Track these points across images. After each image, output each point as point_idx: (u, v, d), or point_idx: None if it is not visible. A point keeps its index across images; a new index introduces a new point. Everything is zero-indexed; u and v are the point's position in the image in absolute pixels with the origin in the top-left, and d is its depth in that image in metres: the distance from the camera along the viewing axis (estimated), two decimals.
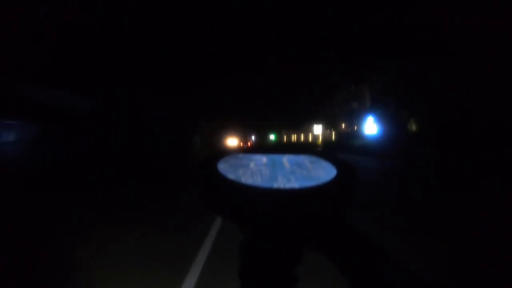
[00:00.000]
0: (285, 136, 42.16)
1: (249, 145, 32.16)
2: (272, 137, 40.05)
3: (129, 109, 13.60)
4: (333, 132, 30.53)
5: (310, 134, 36.38)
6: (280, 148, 0.41)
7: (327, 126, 31.97)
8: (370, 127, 19.86)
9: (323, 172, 0.32)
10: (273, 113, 36.16)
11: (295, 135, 41.38)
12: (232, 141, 28.21)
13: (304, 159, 0.37)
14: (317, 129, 33.87)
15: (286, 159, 0.37)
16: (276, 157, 0.38)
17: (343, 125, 28.86)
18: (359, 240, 0.27)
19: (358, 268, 0.25)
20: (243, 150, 0.41)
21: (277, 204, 0.27)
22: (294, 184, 0.29)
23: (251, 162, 0.35)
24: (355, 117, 23.95)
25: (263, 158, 0.37)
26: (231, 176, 0.30)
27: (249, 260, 0.28)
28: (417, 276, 0.23)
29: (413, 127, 16.26)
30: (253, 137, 37.60)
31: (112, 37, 13.17)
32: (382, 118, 18.01)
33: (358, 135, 22.31)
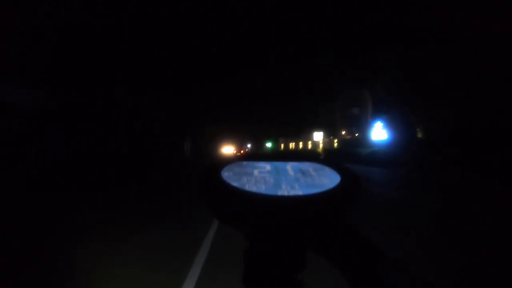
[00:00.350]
0: (282, 145, 40.18)
1: (242, 153, 31.66)
2: (268, 146, 38.61)
3: (118, 109, 13.57)
4: (335, 140, 28.78)
5: (310, 142, 34.30)
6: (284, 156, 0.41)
7: (328, 133, 30.04)
8: (379, 133, 18.46)
9: (327, 179, 0.32)
10: (270, 119, 35.06)
11: (293, 143, 39.32)
12: (227, 149, 27.69)
13: (308, 166, 0.37)
14: (317, 137, 31.21)
15: (290, 167, 0.37)
16: (280, 164, 0.38)
17: (346, 131, 27.35)
18: (359, 240, 0.27)
19: (358, 268, 0.25)
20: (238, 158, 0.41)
21: (281, 210, 0.28)
22: (298, 191, 0.30)
23: (255, 169, 0.35)
24: (359, 123, 22.88)
25: (267, 166, 0.37)
26: (235, 183, 0.30)
27: (250, 262, 0.28)
28: (417, 276, 0.23)
29: (421, 131, 15.69)
30: (248, 145, 36.64)
31: (112, 37, 13.18)
32: (390, 122, 17.04)
33: (363, 142, 20.74)
